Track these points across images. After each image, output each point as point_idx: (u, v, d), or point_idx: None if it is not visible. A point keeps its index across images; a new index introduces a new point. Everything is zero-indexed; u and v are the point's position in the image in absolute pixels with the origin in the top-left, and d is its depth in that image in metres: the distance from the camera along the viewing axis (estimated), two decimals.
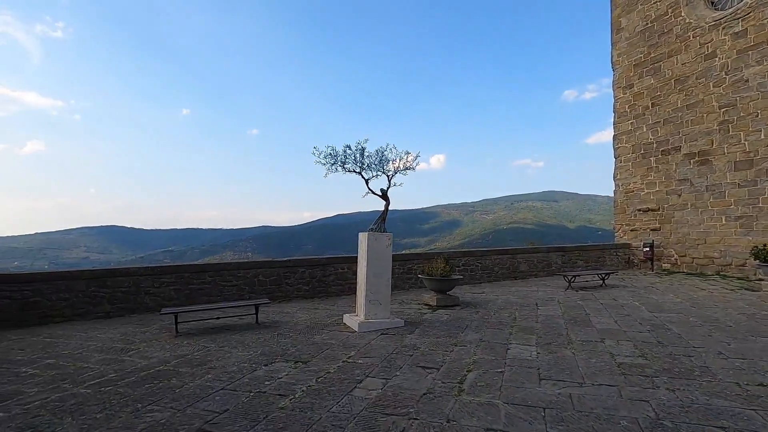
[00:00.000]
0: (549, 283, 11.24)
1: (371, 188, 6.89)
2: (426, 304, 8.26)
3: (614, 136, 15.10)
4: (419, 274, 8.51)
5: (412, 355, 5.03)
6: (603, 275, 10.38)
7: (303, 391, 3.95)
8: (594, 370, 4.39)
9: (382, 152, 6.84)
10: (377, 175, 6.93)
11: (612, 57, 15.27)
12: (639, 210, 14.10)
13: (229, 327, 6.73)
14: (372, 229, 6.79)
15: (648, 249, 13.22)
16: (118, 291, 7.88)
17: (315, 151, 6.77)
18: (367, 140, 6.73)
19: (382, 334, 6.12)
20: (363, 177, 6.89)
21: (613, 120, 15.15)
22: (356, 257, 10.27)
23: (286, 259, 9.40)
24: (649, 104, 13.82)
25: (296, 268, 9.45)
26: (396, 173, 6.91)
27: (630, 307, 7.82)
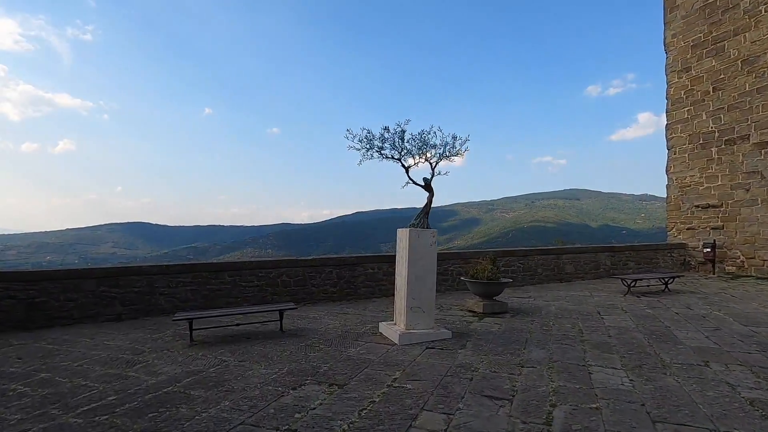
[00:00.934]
0: (600, 287, 10.08)
1: (412, 177, 5.97)
2: (470, 311, 7.29)
3: (667, 125, 13.73)
4: (461, 276, 7.54)
5: (471, 379, 4.08)
6: (666, 279, 9.18)
7: (344, 431, 3.06)
8: (720, 410, 3.35)
9: (425, 136, 5.91)
10: (419, 162, 6.00)
11: (665, 38, 13.88)
12: (697, 206, 12.73)
13: (249, 335, 5.92)
14: (413, 225, 5.86)
15: (709, 250, 11.88)
16: (130, 291, 7.18)
17: (348, 134, 5.89)
18: (408, 121, 5.81)
19: (427, 348, 5.19)
20: (402, 165, 5.97)
21: (666, 108, 13.77)
22: (387, 256, 9.41)
23: (311, 258, 8.57)
24: (710, 89, 12.43)
25: (323, 268, 8.61)
26: (441, 160, 5.96)
27: (714, 319, 6.66)
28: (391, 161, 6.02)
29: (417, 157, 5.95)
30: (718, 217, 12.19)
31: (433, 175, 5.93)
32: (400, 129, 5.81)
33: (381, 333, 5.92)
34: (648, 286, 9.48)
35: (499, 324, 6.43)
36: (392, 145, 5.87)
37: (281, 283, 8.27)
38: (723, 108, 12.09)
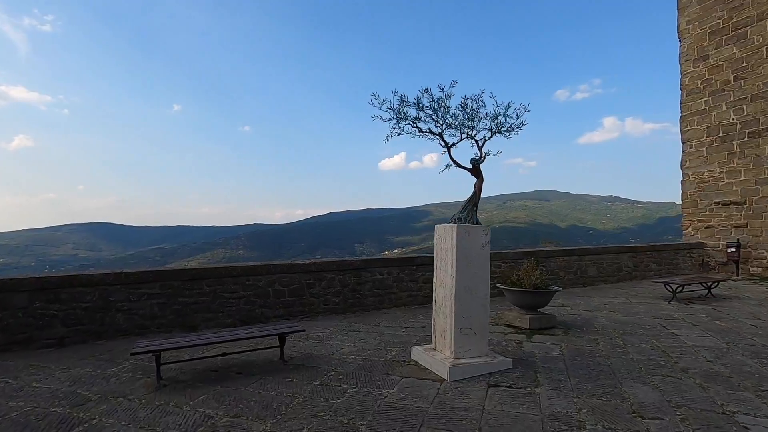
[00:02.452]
0: (633, 292, 9.01)
1: (455, 159, 4.60)
2: (512, 326, 5.97)
3: (682, 118, 12.93)
4: (497, 284, 6.24)
5: None
6: (709, 284, 8.18)
7: None
8: None
9: (472, 104, 4.54)
10: (464, 137, 4.63)
11: (678, 25, 13.08)
12: (717, 203, 11.94)
13: (241, 367, 4.39)
14: (459, 219, 4.48)
15: (734, 250, 11.08)
16: (77, 307, 5.49)
17: (375, 99, 4.46)
18: (455, 83, 4.42)
19: (490, 385, 3.83)
20: (443, 141, 4.59)
21: (680, 99, 12.96)
22: (398, 259, 7.99)
23: (309, 262, 7.06)
24: (731, 78, 11.66)
25: (323, 274, 7.12)
26: (492, 135, 4.61)
27: None
28: (427, 137, 4.63)
29: (462, 131, 4.58)
30: (740, 215, 11.43)
31: (482, 157, 4.56)
32: (445, 93, 4.43)
33: (416, 362, 4.52)
34: (691, 291, 8.45)
35: (557, 344, 5.14)
36: (433, 116, 4.48)
37: (273, 294, 6.73)
38: (746, 98, 11.33)
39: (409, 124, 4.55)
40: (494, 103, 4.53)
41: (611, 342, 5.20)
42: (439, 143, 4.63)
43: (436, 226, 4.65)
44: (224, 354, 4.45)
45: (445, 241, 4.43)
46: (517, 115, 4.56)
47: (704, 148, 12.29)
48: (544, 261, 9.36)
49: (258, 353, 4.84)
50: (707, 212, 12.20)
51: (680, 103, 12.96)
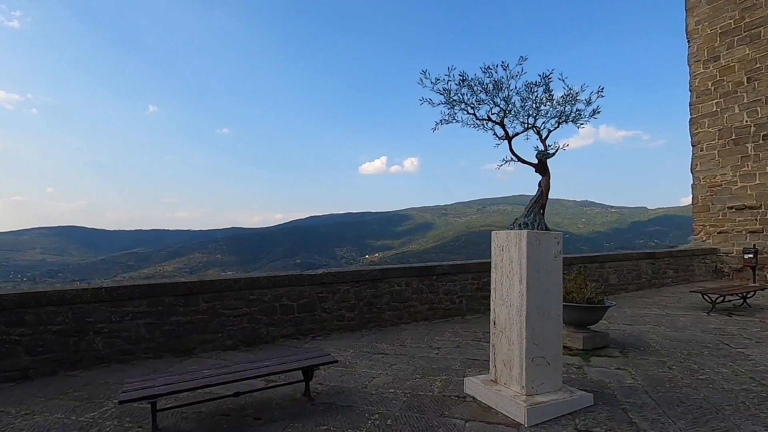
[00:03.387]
0: (664, 302, 8.45)
1: (515, 152, 3.85)
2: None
3: (691, 120, 12.61)
4: None
5: None
6: (745, 293, 7.68)
7: None
8: None
9: (539, 88, 3.80)
10: (527, 127, 3.89)
11: (687, 26, 12.80)
12: (731, 208, 11.61)
13: (257, 410, 3.50)
14: (524, 225, 3.72)
15: (751, 255, 10.71)
16: (46, 331, 4.49)
17: (425, 78, 3.67)
18: (524, 59, 3.65)
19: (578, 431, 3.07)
20: (505, 132, 3.84)
21: (689, 101, 12.65)
22: (416, 268, 7.17)
23: (321, 272, 6.18)
24: (744, 79, 11.37)
25: (336, 286, 6.25)
26: (559, 125, 3.88)
27: None
28: (483, 126, 3.86)
29: (523, 122, 3.83)
30: (755, 219, 11.10)
31: (550, 149, 3.82)
32: (507, 73, 3.67)
33: (474, 398, 3.73)
34: (723, 300, 7.92)
35: (623, 370, 4.42)
36: (495, 98, 3.72)
37: (281, 309, 5.83)
38: (760, 100, 11.04)
39: (464, 110, 3.78)
40: (564, 87, 3.80)
41: (684, 366, 4.53)
42: (495, 134, 3.89)
43: (493, 233, 3.88)
44: (237, 394, 3.54)
45: (508, 251, 3.66)
46: (588, 101, 3.84)
47: (716, 151, 11.96)
48: (567, 269, 8.72)
49: (271, 384, 3.95)
50: (720, 217, 11.86)
51: (689, 105, 12.64)
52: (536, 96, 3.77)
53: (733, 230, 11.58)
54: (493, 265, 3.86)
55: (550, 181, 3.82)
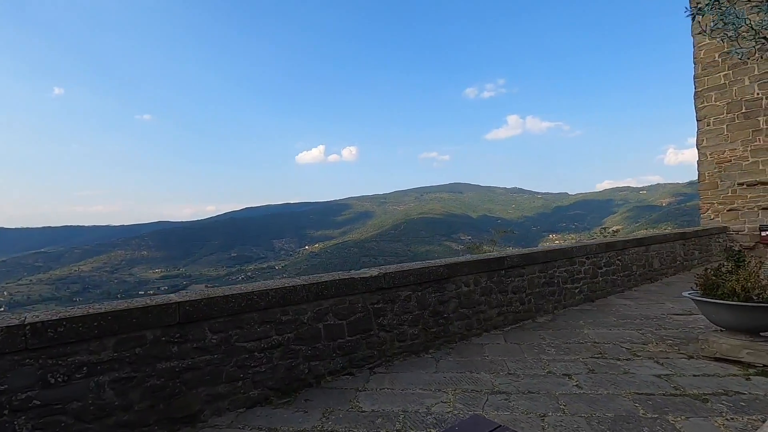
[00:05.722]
0: None
1: None
2: (730, 361, 3.83)
3: (696, 93, 12.07)
4: (695, 295, 4.06)
5: None
6: None
7: None
8: None
9: None
10: None
11: None
12: (741, 184, 11.21)
13: None
14: None
15: None
16: None
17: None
18: None
19: None
20: None
21: (693, 73, 12.08)
22: (486, 261, 5.39)
23: (376, 273, 4.24)
24: (754, 49, 10.89)
25: (396, 292, 4.37)
26: None
27: None
28: None
29: None
30: None
31: None
32: None
33: None
34: None
35: None
36: None
37: (325, 332, 3.85)
38: None
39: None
40: None
41: None
42: None
43: None
44: None
45: None
46: None
47: (724, 126, 11.50)
48: (620, 254, 7.51)
49: None
50: (729, 194, 11.46)
51: (694, 78, 12.09)
52: None
53: (744, 207, 11.21)
54: None
55: None
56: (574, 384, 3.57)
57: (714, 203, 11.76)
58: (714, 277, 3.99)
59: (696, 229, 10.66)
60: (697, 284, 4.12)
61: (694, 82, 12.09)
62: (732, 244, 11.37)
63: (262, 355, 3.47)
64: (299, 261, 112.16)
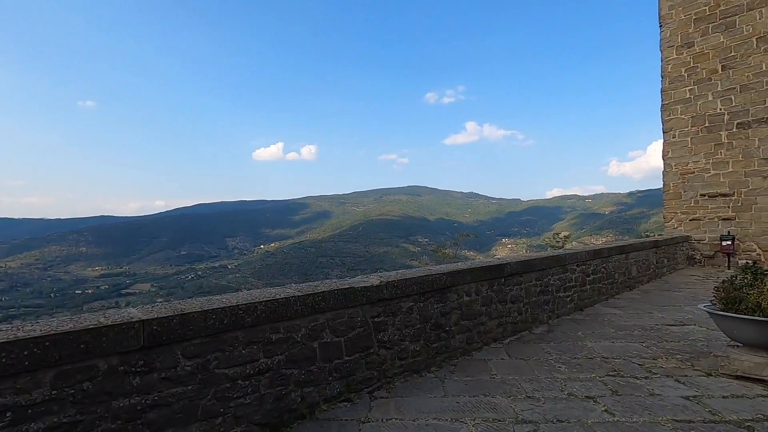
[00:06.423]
0: (697, 295, 7.63)
1: None
2: (756, 380, 3.62)
3: (663, 106, 12.48)
4: (717, 310, 3.83)
5: None
6: None
7: None
8: None
9: None
10: None
11: (660, 10, 12.59)
12: (703, 195, 11.66)
13: None
14: None
15: (729, 243, 10.79)
16: None
17: None
18: None
19: None
20: None
21: (661, 87, 12.50)
22: (488, 268, 5.01)
23: (377, 281, 3.68)
24: (718, 67, 11.40)
25: (397, 303, 3.84)
26: None
27: None
28: None
29: None
30: (728, 207, 11.25)
31: None
32: None
33: None
34: None
35: None
36: None
37: (321, 352, 3.24)
38: (734, 88, 11.13)
39: None
40: None
41: None
42: None
43: None
44: None
45: None
46: None
47: (689, 138, 11.94)
48: (605, 261, 7.41)
49: None
50: (692, 204, 11.91)
51: (661, 91, 12.50)
52: None
53: (705, 217, 11.68)
54: None
55: None
56: (603, 409, 3.20)
57: (678, 213, 12.18)
58: (735, 291, 3.78)
59: (666, 237, 10.94)
60: (716, 297, 3.90)
61: (662, 95, 12.50)
62: (694, 253, 11.81)
63: (247, 383, 2.82)
64: (253, 260, 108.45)
